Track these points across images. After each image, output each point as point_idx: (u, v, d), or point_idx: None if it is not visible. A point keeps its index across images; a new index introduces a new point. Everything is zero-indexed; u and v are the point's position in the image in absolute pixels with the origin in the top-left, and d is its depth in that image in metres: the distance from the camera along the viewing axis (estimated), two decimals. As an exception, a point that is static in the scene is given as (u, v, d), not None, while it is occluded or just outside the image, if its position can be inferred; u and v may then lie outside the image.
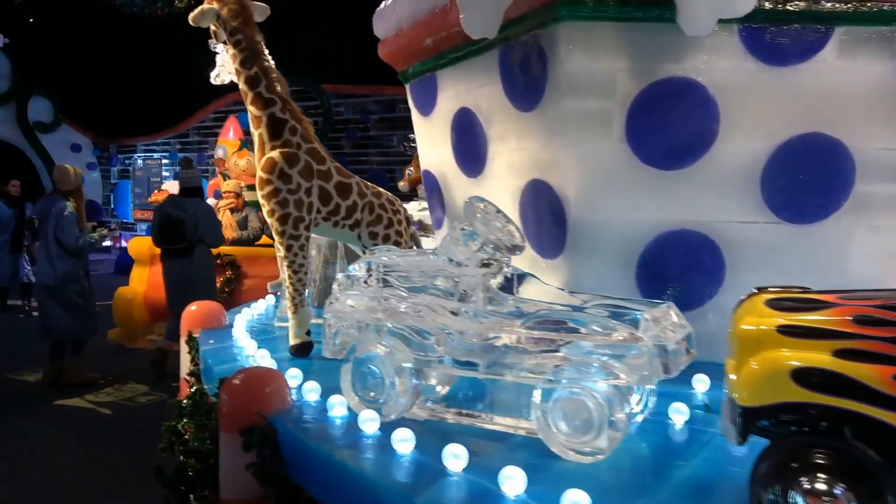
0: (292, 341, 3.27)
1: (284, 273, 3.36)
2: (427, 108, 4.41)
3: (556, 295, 2.49)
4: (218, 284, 8.20)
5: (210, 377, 3.20)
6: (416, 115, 4.62)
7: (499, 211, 2.40)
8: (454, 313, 2.20)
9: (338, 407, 2.40)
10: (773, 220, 3.21)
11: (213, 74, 4.22)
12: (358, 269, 2.48)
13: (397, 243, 3.46)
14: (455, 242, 2.29)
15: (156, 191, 12.24)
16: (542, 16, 3.14)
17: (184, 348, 3.97)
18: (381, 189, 3.60)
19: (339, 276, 2.51)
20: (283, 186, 3.19)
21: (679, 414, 2.44)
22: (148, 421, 6.12)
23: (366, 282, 2.42)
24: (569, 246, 3.35)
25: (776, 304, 1.59)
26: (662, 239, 3.26)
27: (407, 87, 4.66)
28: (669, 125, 3.14)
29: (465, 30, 3.22)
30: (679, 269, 3.30)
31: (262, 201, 3.26)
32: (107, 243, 14.60)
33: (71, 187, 6.83)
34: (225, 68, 4.14)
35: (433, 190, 4.60)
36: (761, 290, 1.72)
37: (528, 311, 2.11)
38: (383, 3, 4.42)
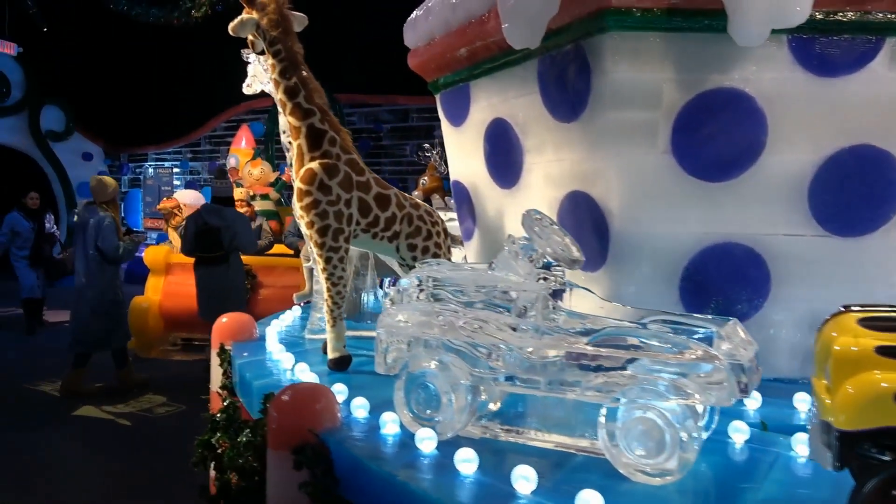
0: (331, 355, 3.22)
1: (322, 285, 3.31)
2: (459, 118, 4.37)
3: (612, 309, 2.43)
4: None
5: (248, 392, 3.15)
6: (446, 126, 4.59)
7: (554, 223, 2.35)
8: (514, 329, 2.15)
9: (390, 424, 2.34)
10: (820, 232, 3.16)
11: (245, 84, 4.21)
12: (409, 282, 2.43)
13: (436, 255, 3.41)
14: (514, 256, 2.24)
15: (164, 199, 12.15)
16: (586, 26, 3.10)
17: (215, 360, 3.92)
18: (418, 201, 3.56)
19: (391, 290, 2.46)
20: (323, 198, 3.15)
21: (739, 433, 2.38)
22: (168, 433, 6.08)
23: (418, 296, 2.37)
24: (611, 259, 3.30)
25: (871, 324, 1.54)
26: (707, 252, 3.21)
27: (437, 97, 4.62)
28: (716, 136, 3.09)
29: (508, 40, 3.18)
30: (724, 282, 3.24)
31: (300, 213, 3.21)
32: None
33: (108, 198, 7.08)
34: (257, 78, 4.13)
35: (463, 201, 4.56)
36: (847, 308, 1.66)
37: (593, 328, 2.06)
38: (415, 12, 4.39)
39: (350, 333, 4.19)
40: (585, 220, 3.41)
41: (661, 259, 3.23)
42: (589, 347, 1.98)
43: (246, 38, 3.43)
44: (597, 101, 3.16)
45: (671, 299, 3.25)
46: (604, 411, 1.97)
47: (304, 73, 3.26)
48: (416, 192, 9.70)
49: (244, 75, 4.35)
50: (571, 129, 3.37)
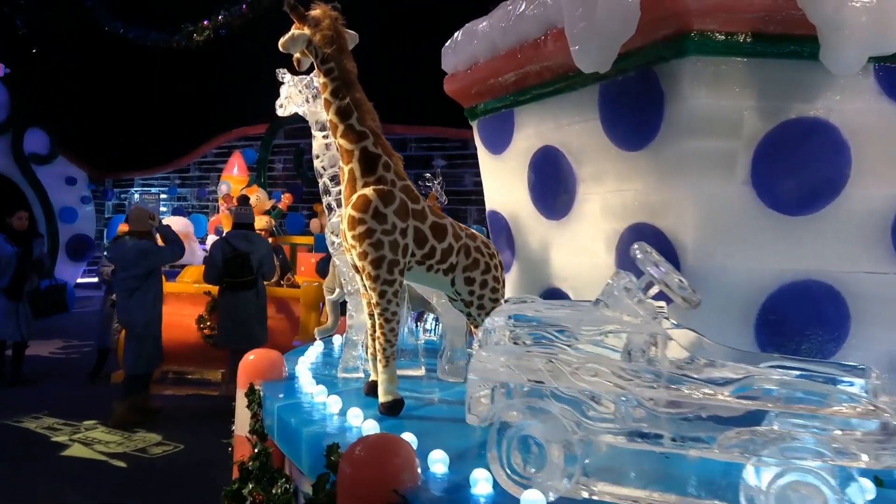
0: (383, 398, 2.94)
1: (374, 321, 3.06)
2: (499, 146, 4.19)
3: (721, 351, 2.21)
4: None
5: (292, 439, 2.85)
6: (484, 154, 4.39)
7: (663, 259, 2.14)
8: (634, 375, 1.91)
9: (482, 483, 2.07)
10: (904, 270, 2.99)
11: (277, 105, 3.98)
12: (497, 321, 2.19)
13: (495, 290, 3.17)
14: (625, 291, 2.02)
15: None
16: (661, 49, 2.94)
17: (241, 401, 3.61)
18: (475, 231, 3.33)
19: (479, 330, 2.21)
20: (378, 227, 2.91)
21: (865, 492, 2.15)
22: (167, 474, 5.68)
23: (510, 337, 2.13)
24: (681, 296, 3.09)
25: None
26: (785, 290, 3.02)
27: (474, 123, 4.44)
28: (798, 168, 2.93)
29: (577, 64, 3.01)
30: (801, 322, 3.04)
31: (351, 242, 2.96)
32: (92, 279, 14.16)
33: (148, 228, 7.16)
34: (291, 100, 3.91)
35: (501, 232, 4.34)
36: None
37: (731, 377, 1.83)
38: (456, 35, 4.22)
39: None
40: (651, 254, 3.21)
41: (736, 296, 3.03)
42: (732, 399, 1.75)
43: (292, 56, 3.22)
44: (671, 129, 2.99)
45: (746, 339, 3.05)
46: (749, 472, 1.74)
47: (358, 94, 3.05)
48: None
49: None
50: (638, 158, 3.19)
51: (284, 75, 3.91)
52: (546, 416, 1.97)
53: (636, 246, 2.11)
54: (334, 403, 2.98)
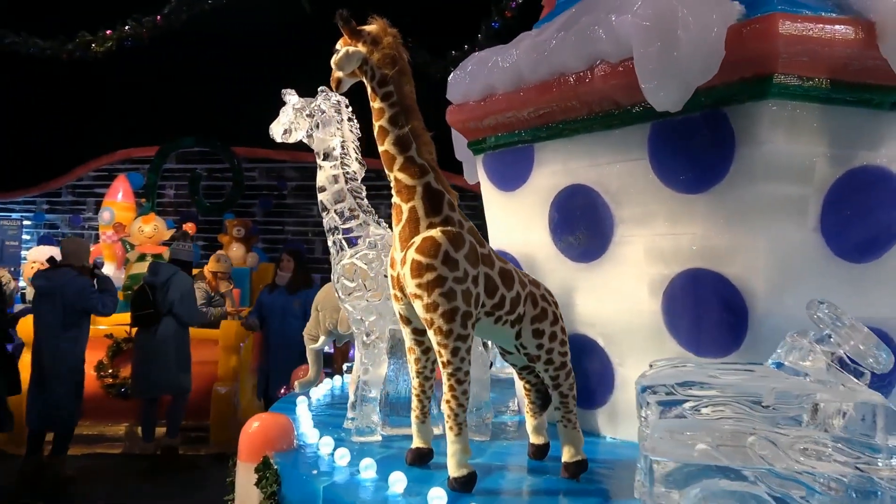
0: (456, 472, 2.54)
1: (420, 378, 2.71)
2: (512, 183, 3.93)
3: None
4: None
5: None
6: (490, 190, 4.11)
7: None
8: (850, 451, 1.71)
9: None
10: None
11: (278, 131, 3.49)
12: (660, 389, 1.91)
13: (563, 343, 2.87)
14: (821, 353, 1.82)
15: None
16: (736, 90, 2.85)
17: (247, 478, 3.03)
18: (533, 277, 3.03)
19: (647, 400, 1.92)
20: (449, 274, 2.54)
21: None
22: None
23: (690, 408, 1.86)
24: (747, 343, 2.99)
25: None
26: (846, 337, 3.00)
27: (479, 157, 4.16)
28: (862, 216, 2.94)
29: (651, 101, 2.85)
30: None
31: (416, 291, 2.56)
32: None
33: (85, 262, 6.54)
34: (297, 125, 3.45)
35: (510, 273, 4.07)
36: None
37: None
38: (467, 63, 3.95)
39: (397, 432, 3.51)
40: (709, 300, 3.09)
41: (802, 345, 2.96)
42: None
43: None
44: (741, 172, 2.90)
45: (809, 388, 2.98)
46: None
47: (416, 122, 2.68)
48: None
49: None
50: (697, 201, 3.07)
51: (290, 96, 3.44)
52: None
53: (819, 301, 1.94)
54: (397, 482, 2.53)
